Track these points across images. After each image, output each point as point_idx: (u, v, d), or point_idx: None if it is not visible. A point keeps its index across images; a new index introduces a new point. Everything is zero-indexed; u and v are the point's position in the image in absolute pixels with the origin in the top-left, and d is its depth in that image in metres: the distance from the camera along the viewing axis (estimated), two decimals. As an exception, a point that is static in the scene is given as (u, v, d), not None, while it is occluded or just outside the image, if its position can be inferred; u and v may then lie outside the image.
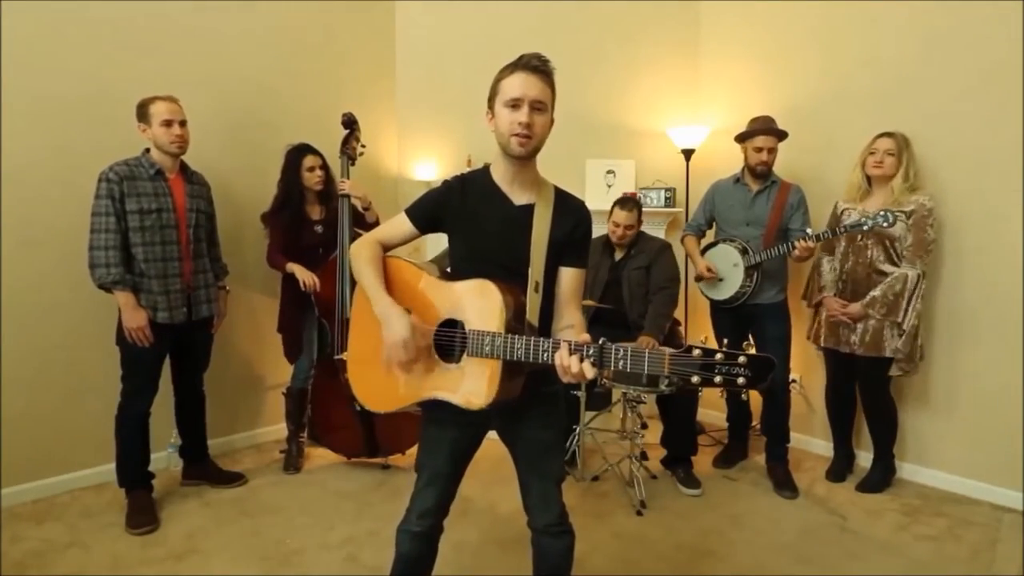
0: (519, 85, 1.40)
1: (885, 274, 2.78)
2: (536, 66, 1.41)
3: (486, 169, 1.55)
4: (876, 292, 2.77)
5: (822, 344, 3.00)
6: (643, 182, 3.85)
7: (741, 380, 1.18)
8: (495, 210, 1.50)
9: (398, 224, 1.58)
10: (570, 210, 1.53)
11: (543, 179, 1.55)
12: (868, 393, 2.93)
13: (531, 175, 1.51)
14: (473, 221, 1.50)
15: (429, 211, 1.56)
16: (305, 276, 2.91)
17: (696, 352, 1.20)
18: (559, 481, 1.59)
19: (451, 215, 1.53)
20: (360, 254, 1.56)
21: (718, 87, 3.85)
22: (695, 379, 1.20)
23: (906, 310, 2.73)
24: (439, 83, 3.89)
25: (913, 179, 2.79)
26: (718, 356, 1.19)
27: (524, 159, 1.45)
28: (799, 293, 3.20)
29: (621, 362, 1.26)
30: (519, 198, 1.51)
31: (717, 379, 1.18)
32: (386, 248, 1.59)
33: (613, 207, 3.06)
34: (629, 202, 3.05)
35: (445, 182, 1.58)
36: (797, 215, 2.96)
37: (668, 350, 1.22)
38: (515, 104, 1.40)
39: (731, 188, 3.12)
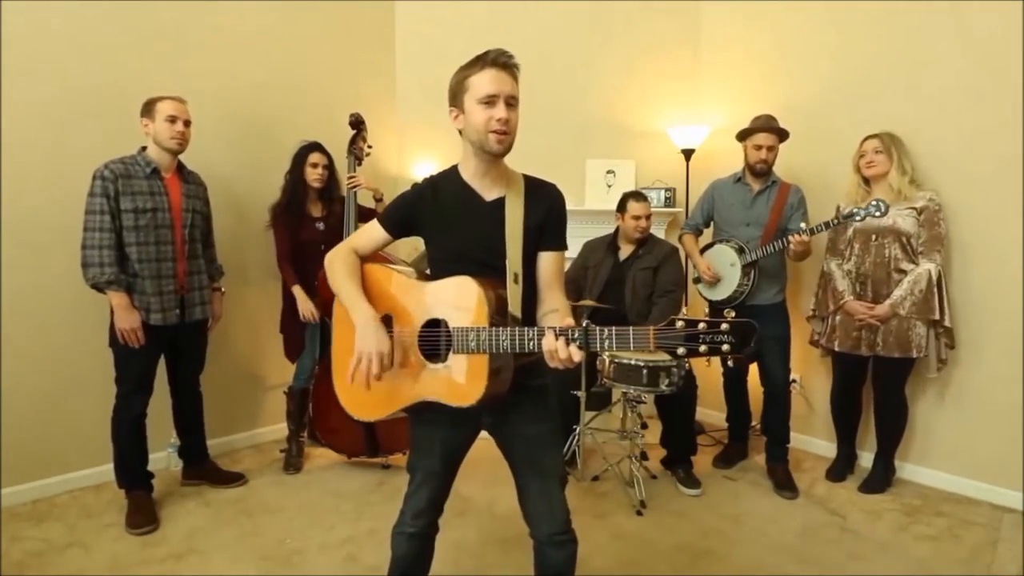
0: (493, 82, 1.39)
1: (905, 272, 2.75)
2: (505, 62, 1.40)
3: (455, 168, 1.54)
4: (901, 291, 2.73)
5: (836, 348, 2.92)
6: (643, 182, 3.85)
7: (726, 347, 1.20)
8: (467, 208, 1.49)
9: (371, 231, 1.57)
10: (541, 195, 1.53)
11: (511, 171, 1.54)
12: (886, 393, 2.88)
13: (500, 169, 1.51)
14: (446, 221, 1.50)
15: (400, 216, 1.55)
16: (304, 307, 2.96)
17: (679, 324, 1.22)
18: (561, 480, 1.55)
19: (424, 218, 1.52)
20: (335, 263, 1.54)
21: (718, 87, 3.85)
22: (681, 350, 1.22)
23: (941, 308, 2.71)
24: (439, 83, 3.85)
25: (912, 172, 2.79)
26: (701, 326, 1.21)
27: (501, 156, 1.45)
28: (798, 294, 3.19)
29: (607, 341, 1.27)
30: (489, 193, 1.50)
31: (702, 348, 1.21)
32: (361, 256, 1.57)
33: (627, 201, 3.05)
34: (639, 194, 3.09)
35: (415, 185, 1.58)
36: (796, 215, 2.95)
37: (652, 327, 1.23)
38: (490, 101, 1.39)
39: (731, 188, 3.11)
